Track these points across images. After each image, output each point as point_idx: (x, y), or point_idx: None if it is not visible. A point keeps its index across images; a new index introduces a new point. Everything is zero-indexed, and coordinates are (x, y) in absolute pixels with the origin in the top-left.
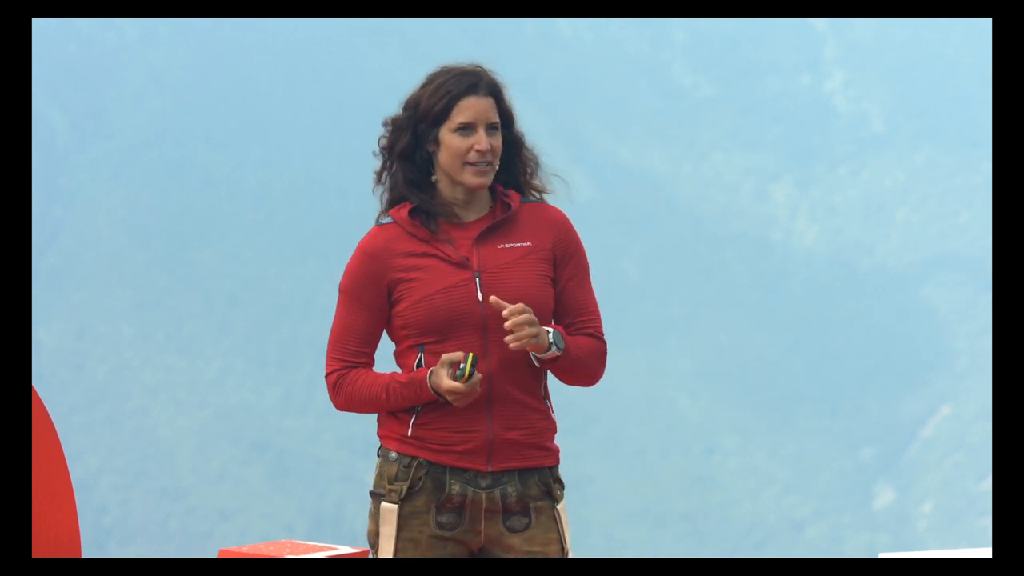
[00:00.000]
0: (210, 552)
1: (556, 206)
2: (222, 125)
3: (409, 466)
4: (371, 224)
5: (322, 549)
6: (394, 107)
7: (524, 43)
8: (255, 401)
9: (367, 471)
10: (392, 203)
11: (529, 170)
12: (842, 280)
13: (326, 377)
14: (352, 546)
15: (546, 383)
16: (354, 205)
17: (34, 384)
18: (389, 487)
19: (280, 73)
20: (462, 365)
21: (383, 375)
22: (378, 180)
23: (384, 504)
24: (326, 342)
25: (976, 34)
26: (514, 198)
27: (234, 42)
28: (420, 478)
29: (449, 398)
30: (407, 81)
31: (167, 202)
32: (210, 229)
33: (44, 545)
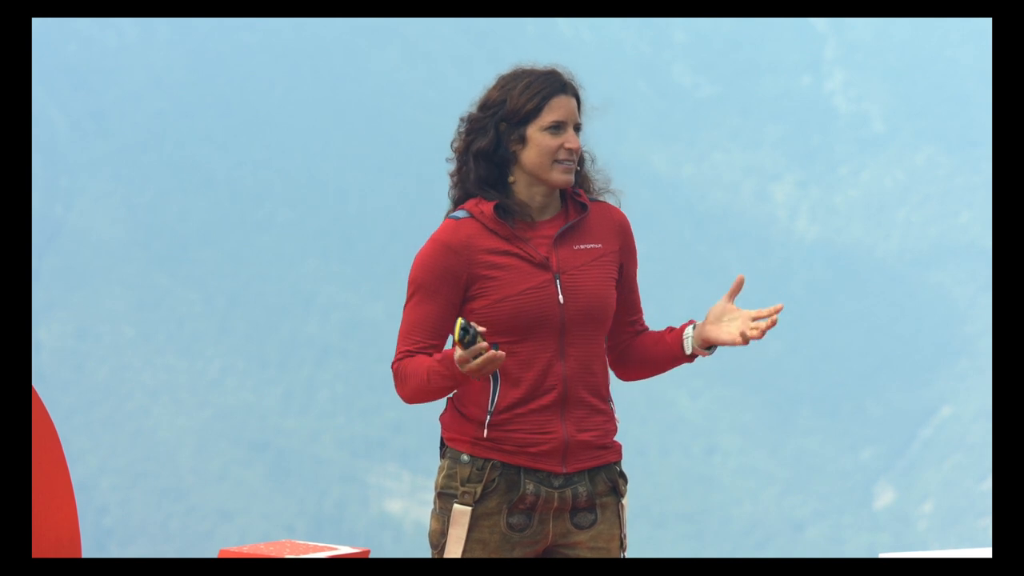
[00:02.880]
0: (210, 552)
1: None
2: (222, 125)
3: (483, 468)
4: (369, 223)
5: (322, 549)
6: (394, 107)
7: (524, 43)
8: (255, 401)
9: (367, 471)
10: (459, 201)
11: (585, 170)
12: (842, 280)
13: (392, 370)
14: (352, 546)
15: (608, 384)
16: (354, 205)
17: (34, 384)
18: (462, 489)
19: (280, 73)
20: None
21: (427, 358)
22: (456, 181)
23: (457, 506)
24: (327, 342)
25: (976, 34)
26: (584, 198)
27: (234, 42)
28: (494, 480)
29: (462, 369)
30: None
31: (167, 202)
32: (210, 229)
33: (44, 545)
